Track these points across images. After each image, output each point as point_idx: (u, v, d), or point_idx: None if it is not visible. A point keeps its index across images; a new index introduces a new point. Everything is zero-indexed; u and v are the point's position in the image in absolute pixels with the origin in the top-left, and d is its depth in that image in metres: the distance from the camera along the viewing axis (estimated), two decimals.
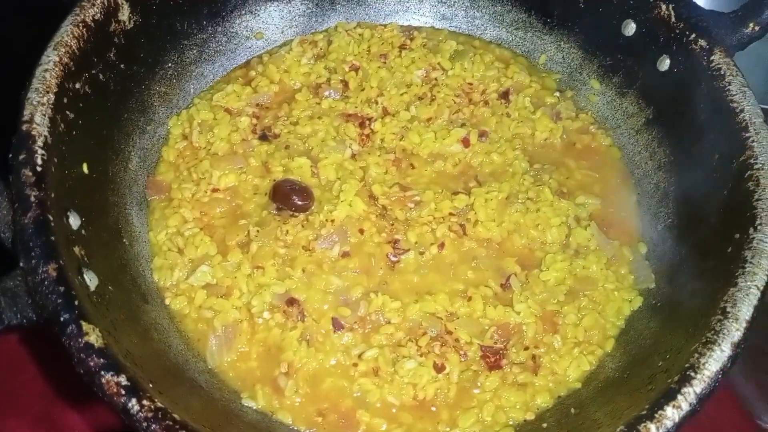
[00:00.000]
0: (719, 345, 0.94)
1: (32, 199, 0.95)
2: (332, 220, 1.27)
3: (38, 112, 1.03)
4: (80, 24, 1.16)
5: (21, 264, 0.93)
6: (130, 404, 0.84)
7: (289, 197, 1.29)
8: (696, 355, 0.94)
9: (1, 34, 1.56)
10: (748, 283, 0.99)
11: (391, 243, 1.27)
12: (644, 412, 0.90)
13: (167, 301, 1.21)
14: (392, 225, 1.29)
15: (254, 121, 1.44)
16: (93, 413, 1.34)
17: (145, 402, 0.85)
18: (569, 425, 1.07)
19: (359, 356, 1.16)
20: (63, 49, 1.12)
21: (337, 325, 1.18)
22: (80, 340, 0.87)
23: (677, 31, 1.30)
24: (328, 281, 1.22)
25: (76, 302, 0.89)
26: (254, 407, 1.12)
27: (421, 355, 1.16)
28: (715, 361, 0.93)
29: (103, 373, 0.85)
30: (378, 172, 1.35)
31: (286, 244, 1.25)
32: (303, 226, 1.27)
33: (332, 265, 1.24)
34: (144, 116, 1.37)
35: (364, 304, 1.20)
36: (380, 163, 1.36)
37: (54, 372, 1.39)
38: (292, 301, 1.19)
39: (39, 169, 0.98)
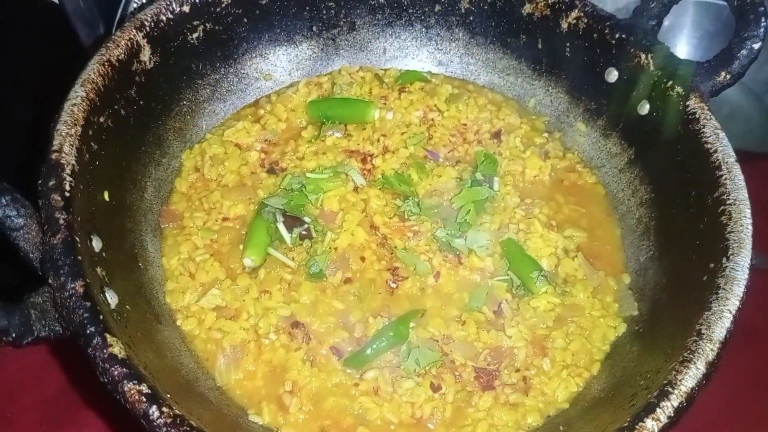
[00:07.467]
0: (695, 363, 1.01)
1: (61, 221, 1.02)
2: (335, 248, 1.34)
3: (67, 143, 1.11)
4: (105, 63, 1.25)
5: (49, 281, 1.00)
6: (150, 411, 0.90)
7: None
8: (674, 372, 1.00)
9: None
10: (722, 307, 1.06)
11: (391, 270, 1.34)
12: (626, 425, 0.96)
13: (179, 322, 1.26)
14: (391, 253, 1.36)
15: (262, 155, 1.52)
16: None
17: (164, 409, 0.90)
18: None
19: (360, 376, 1.21)
20: (89, 86, 1.20)
21: (337, 352, 1.24)
22: (105, 351, 0.93)
23: (656, 79, 1.38)
24: (331, 305, 1.28)
25: (101, 317, 0.95)
26: (260, 423, 1.16)
27: (418, 376, 1.21)
28: (691, 377, 0.99)
29: (126, 381, 0.91)
30: (379, 204, 1.42)
31: (292, 270, 1.32)
32: (308, 254, 1.34)
33: (335, 290, 1.30)
34: (160, 149, 1.44)
35: (363, 327, 1.26)
36: (381, 196, 1.43)
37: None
38: (296, 324, 1.25)
39: (67, 194, 1.05)
